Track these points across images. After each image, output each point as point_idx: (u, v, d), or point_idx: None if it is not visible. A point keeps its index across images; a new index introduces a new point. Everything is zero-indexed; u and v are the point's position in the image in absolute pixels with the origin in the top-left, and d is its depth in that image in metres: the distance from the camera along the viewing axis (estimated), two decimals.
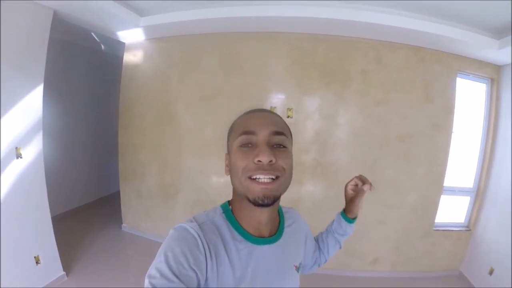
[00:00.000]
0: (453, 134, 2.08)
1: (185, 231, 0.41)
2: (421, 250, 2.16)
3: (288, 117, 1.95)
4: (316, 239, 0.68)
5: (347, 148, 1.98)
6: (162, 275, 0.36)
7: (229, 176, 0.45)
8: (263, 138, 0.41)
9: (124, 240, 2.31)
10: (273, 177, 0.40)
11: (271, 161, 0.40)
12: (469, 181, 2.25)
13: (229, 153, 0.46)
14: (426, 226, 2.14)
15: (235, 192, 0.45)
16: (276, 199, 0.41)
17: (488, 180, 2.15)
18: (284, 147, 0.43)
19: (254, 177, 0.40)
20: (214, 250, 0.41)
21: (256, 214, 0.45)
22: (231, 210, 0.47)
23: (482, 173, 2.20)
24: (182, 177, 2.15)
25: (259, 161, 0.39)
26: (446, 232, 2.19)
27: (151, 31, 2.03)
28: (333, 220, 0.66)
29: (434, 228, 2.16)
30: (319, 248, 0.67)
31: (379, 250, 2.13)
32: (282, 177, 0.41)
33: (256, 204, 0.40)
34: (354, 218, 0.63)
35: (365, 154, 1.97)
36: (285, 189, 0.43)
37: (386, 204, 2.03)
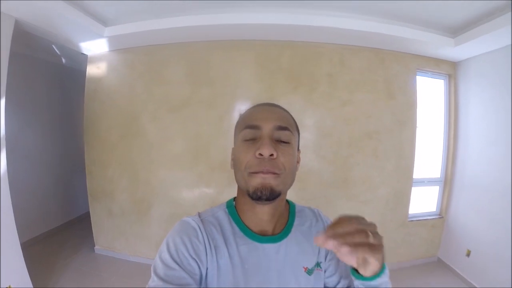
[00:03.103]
0: (417, 128, 2.19)
1: (186, 223, 0.43)
2: (398, 241, 2.23)
3: None
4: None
5: (318, 149, 2.02)
6: (164, 263, 0.38)
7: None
8: (266, 132, 0.41)
9: (99, 262, 2.18)
10: (273, 172, 0.39)
11: (272, 154, 0.39)
12: (436, 172, 2.37)
13: (234, 147, 0.46)
14: (401, 217, 2.21)
15: (238, 187, 0.46)
16: (276, 194, 0.40)
17: (454, 168, 2.28)
18: (287, 143, 0.42)
19: (255, 171, 0.39)
20: (213, 242, 0.42)
21: (257, 210, 0.44)
22: (235, 206, 0.48)
23: (447, 163, 2.33)
24: (154, 192, 2.07)
25: (260, 154, 0.39)
26: (420, 221, 2.29)
27: (115, 41, 1.97)
28: None
29: (409, 219, 2.25)
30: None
31: None
32: (282, 174, 0.40)
33: (255, 197, 0.39)
34: (372, 276, 0.37)
35: (335, 153, 2.02)
36: (285, 186, 0.42)
37: (360, 200, 2.08)
